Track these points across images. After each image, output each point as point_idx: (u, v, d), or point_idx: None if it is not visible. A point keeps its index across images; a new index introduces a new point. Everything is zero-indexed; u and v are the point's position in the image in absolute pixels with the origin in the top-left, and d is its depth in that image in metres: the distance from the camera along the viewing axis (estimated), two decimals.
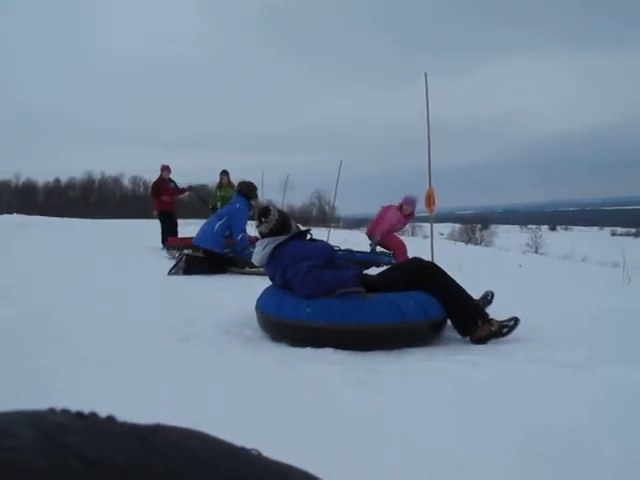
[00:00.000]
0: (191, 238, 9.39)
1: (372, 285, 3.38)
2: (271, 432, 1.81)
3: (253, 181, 7.38)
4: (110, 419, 0.39)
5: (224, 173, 10.41)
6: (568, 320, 3.64)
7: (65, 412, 0.39)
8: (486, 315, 3.33)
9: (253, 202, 7.14)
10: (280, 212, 3.73)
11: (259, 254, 3.64)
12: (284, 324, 3.31)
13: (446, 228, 52.07)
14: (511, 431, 1.86)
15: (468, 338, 3.30)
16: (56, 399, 0.42)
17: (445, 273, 3.52)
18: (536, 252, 40.50)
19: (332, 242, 6.20)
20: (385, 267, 4.82)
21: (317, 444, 1.75)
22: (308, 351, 3.00)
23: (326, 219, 38.08)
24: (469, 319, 3.30)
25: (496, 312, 3.35)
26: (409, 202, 7.82)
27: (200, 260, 6.91)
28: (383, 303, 3.20)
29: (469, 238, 44.00)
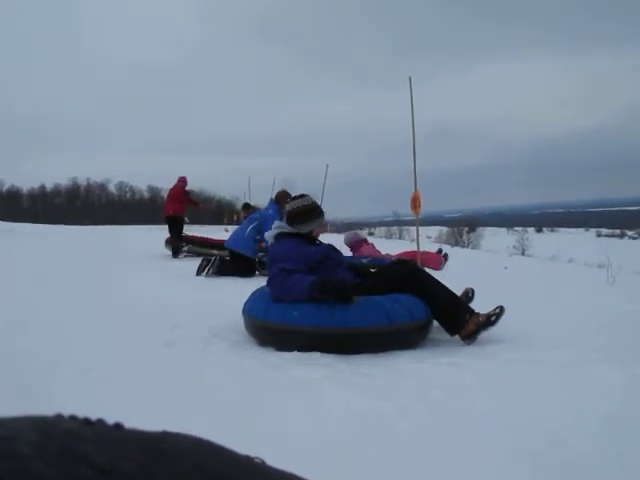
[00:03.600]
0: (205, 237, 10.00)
1: (359, 289, 3.38)
2: (258, 434, 1.81)
3: (287, 190, 7.60)
4: (118, 426, 0.40)
5: (245, 208, 10.65)
6: (553, 321, 3.67)
7: (73, 418, 0.39)
8: (471, 309, 3.35)
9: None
10: (312, 205, 3.65)
11: (268, 234, 3.67)
12: (271, 328, 3.30)
13: (434, 231, 52.18)
14: (499, 432, 1.86)
15: (458, 336, 3.30)
16: (41, 404, 0.42)
17: (428, 274, 3.53)
18: (523, 254, 40.74)
19: None
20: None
21: (303, 445, 1.75)
22: (295, 355, 2.99)
23: None
24: (456, 316, 3.31)
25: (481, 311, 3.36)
26: (352, 239, 8.21)
27: (229, 263, 7.21)
28: (369, 306, 3.20)
29: (456, 241, 44.15)
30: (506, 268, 8.65)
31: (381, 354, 3.03)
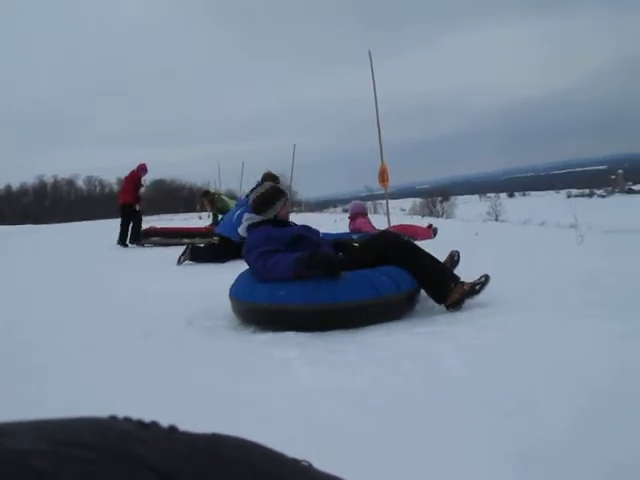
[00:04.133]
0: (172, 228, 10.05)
1: (345, 264, 3.39)
2: (235, 418, 1.80)
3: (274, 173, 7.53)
4: (172, 429, 0.40)
5: (204, 195, 10.52)
6: (526, 283, 3.69)
7: (128, 420, 0.40)
8: (457, 277, 3.37)
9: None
10: (271, 190, 3.72)
11: (242, 226, 3.70)
12: (258, 309, 3.28)
13: (407, 203, 52.42)
14: (474, 398, 1.87)
15: (443, 305, 3.32)
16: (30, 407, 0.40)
17: (412, 244, 3.54)
18: (496, 219, 41.20)
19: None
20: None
21: (279, 427, 1.75)
22: (269, 336, 2.97)
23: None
24: (441, 285, 3.32)
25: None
26: (355, 209, 8.29)
27: (205, 249, 7.39)
28: (356, 280, 3.18)
29: (430, 211, 44.42)
30: (477, 234, 8.73)
31: (355, 329, 3.02)
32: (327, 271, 3.14)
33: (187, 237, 9.96)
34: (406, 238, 3.78)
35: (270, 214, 3.63)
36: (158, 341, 3.04)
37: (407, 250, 3.45)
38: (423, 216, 33.43)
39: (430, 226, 8.95)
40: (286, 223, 3.70)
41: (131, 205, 10.48)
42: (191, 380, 2.32)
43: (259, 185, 3.80)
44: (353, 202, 8.80)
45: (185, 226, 11.98)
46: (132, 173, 10.72)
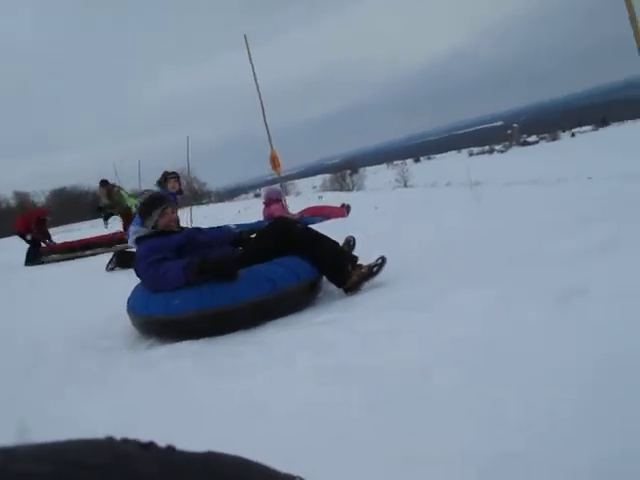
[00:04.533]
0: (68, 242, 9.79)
1: (242, 260, 3.29)
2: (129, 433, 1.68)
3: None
4: (171, 449, 0.41)
5: (103, 185, 10.03)
6: (417, 253, 3.77)
7: (127, 441, 0.40)
8: (354, 259, 3.36)
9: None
10: (147, 199, 3.63)
11: (130, 239, 3.73)
12: (155, 321, 3.14)
13: (318, 180, 52.87)
14: (366, 380, 1.85)
15: (343, 289, 3.29)
16: None
17: (306, 228, 3.49)
18: (405, 185, 42.34)
19: (195, 222, 6.21)
20: None
21: (174, 437, 1.64)
22: (165, 349, 2.86)
23: (197, 197, 37.31)
24: (340, 269, 3.29)
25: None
26: (274, 193, 8.22)
27: (133, 255, 7.02)
28: (252, 277, 3.09)
29: (341, 185, 44.98)
30: (376, 208, 8.90)
31: (256, 327, 2.95)
32: (221, 274, 3.03)
33: (90, 248, 9.63)
34: (300, 224, 3.69)
35: (149, 223, 3.52)
36: (45, 370, 2.83)
37: (303, 236, 3.38)
38: (335, 190, 33.88)
39: (343, 205, 9.14)
40: (170, 232, 3.53)
41: (23, 235, 10.59)
42: (76, 410, 2.17)
43: (142, 194, 3.65)
44: (267, 188, 8.67)
45: (87, 237, 11.53)
46: (34, 213, 11.10)
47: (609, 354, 1.59)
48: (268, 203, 8.07)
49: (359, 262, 3.37)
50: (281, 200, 8.30)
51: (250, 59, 5.51)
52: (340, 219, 7.70)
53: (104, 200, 10.13)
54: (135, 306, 3.28)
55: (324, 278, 3.42)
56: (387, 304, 2.70)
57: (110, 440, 0.40)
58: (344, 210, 8.82)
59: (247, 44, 5.53)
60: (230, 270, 3.05)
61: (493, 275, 2.75)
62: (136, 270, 3.37)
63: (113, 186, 9.96)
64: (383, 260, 3.30)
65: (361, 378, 1.90)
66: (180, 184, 7.77)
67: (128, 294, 3.45)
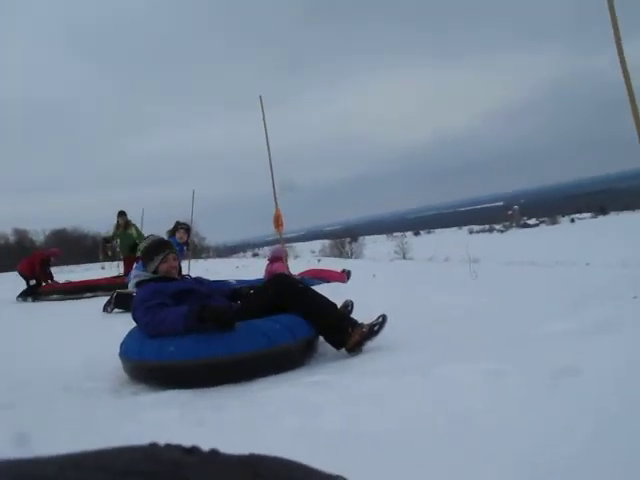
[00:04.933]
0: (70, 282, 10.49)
1: (239, 314, 3.27)
2: None
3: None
4: (214, 452, 0.42)
5: (121, 215, 10.08)
6: (414, 322, 3.75)
7: (171, 447, 0.41)
8: (354, 321, 3.32)
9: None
10: (151, 244, 3.62)
11: (131, 284, 3.59)
12: (147, 368, 3.10)
13: (317, 245, 53.10)
14: (352, 449, 1.81)
15: (344, 350, 3.25)
16: None
17: (306, 288, 3.48)
18: (404, 257, 42.50)
19: (192, 274, 6.22)
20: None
21: None
22: (150, 397, 2.80)
23: (196, 251, 37.36)
24: (340, 329, 3.25)
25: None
26: (279, 252, 8.33)
27: (127, 297, 7.00)
28: (248, 331, 3.07)
29: (340, 252, 45.20)
30: (374, 276, 8.92)
31: (246, 382, 2.90)
32: (219, 323, 3.02)
33: (90, 291, 9.60)
34: (301, 284, 3.69)
35: (151, 268, 3.54)
36: (20, 413, 2.74)
37: (302, 295, 3.37)
38: (334, 257, 33.98)
39: (343, 270, 9.22)
40: (171, 278, 3.54)
41: (26, 278, 10.56)
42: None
43: (147, 238, 3.67)
44: (275, 246, 8.88)
45: (88, 279, 11.48)
46: (41, 253, 11.13)
47: (596, 433, 1.58)
48: (272, 261, 8.18)
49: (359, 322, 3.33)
50: (284, 260, 8.36)
51: (264, 119, 5.66)
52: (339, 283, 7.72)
53: (114, 230, 10.22)
54: (128, 351, 3.24)
55: (320, 338, 3.39)
56: (379, 369, 2.67)
57: (154, 446, 0.41)
58: (344, 275, 8.86)
59: (262, 105, 5.69)
60: (228, 319, 3.03)
61: (486, 350, 2.74)
62: (133, 314, 3.34)
63: (130, 220, 10.03)
64: (384, 319, 3.27)
65: (340, 444, 1.86)
66: (189, 236, 7.92)
67: (122, 337, 3.41)
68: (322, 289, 4.87)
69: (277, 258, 8.08)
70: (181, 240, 7.69)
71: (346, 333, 3.24)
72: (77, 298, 9.26)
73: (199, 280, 3.69)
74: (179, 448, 0.41)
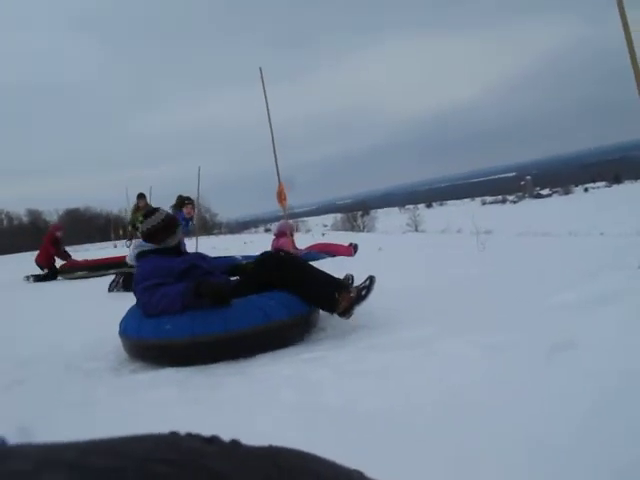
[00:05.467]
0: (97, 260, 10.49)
1: (236, 291, 3.25)
2: None
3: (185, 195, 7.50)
4: (235, 443, 0.42)
5: (140, 197, 10.04)
6: (415, 297, 3.70)
7: (191, 436, 0.41)
8: (341, 285, 3.27)
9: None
10: (165, 220, 3.47)
11: (131, 255, 3.52)
12: (145, 345, 3.09)
13: (329, 219, 53.06)
14: (348, 425, 1.79)
15: (336, 315, 3.22)
16: None
17: (292, 258, 3.44)
18: (416, 230, 42.38)
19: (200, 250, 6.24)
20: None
21: None
22: (149, 376, 2.80)
23: (207, 227, 37.50)
24: (327, 295, 3.21)
25: None
26: (285, 227, 8.23)
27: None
28: (245, 307, 3.05)
29: (352, 226, 45.14)
30: (380, 249, 8.87)
31: (243, 359, 2.89)
32: (215, 299, 2.99)
33: (113, 267, 9.59)
34: (283, 254, 3.66)
35: (171, 243, 3.47)
36: (23, 390, 2.76)
37: (288, 265, 3.33)
38: (346, 230, 33.93)
39: (350, 244, 9.13)
40: (178, 252, 3.50)
41: (41, 266, 10.49)
42: (49, 436, 2.09)
43: (150, 213, 3.55)
44: (281, 221, 8.68)
45: (109, 256, 11.49)
46: (48, 234, 10.98)
47: (594, 409, 1.55)
48: (278, 236, 8.15)
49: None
50: (290, 234, 8.29)
51: (264, 92, 5.56)
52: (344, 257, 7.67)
53: (132, 213, 10.16)
54: (127, 329, 3.24)
55: (319, 314, 3.37)
56: (378, 344, 2.64)
57: (175, 435, 0.41)
58: (351, 249, 8.82)
59: (262, 77, 5.59)
60: (222, 296, 3.01)
61: (486, 323, 2.70)
62: (134, 288, 3.31)
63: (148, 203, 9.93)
64: (371, 280, 3.22)
65: (339, 419, 1.84)
66: (194, 211, 7.79)
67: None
68: (325, 263, 4.84)
69: (282, 233, 8.05)
70: (189, 215, 7.53)
71: (334, 299, 3.19)
72: (101, 275, 9.23)
73: (201, 256, 3.66)
74: (199, 437, 0.41)
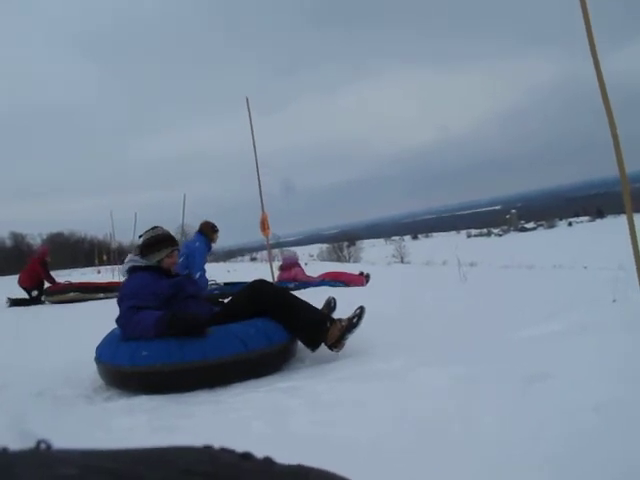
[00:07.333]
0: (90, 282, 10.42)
1: (219, 319, 3.23)
2: None
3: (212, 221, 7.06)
4: (269, 460, 0.42)
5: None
6: (395, 328, 3.71)
7: (226, 451, 0.42)
8: (332, 317, 3.29)
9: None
10: (160, 235, 3.49)
11: (123, 267, 3.51)
12: (121, 373, 3.04)
13: (315, 249, 53.04)
14: (318, 455, 1.77)
15: (327, 346, 3.21)
16: None
17: (281, 289, 3.44)
18: (402, 261, 42.48)
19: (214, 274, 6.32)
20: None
21: None
22: (121, 403, 2.76)
23: None
24: (317, 326, 3.20)
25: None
26: (291, 259, 8.34)
27: None
28: (223, 335, 3.04)
29: (338, 256, 45.18)
30: (362, 273, 8.87)
31: (218, 388, 2.87)
32: (190, 330, 2.98)
33: (102, 291, 9.47)
34: (277, 287, 3.67)
35: (154, 259, 3.44)
36: None
37: (278, 298, 3.33)
38: (332, 261, 33.91)
39: (362, 273, 9.05)
40: (168, 273, 3.48)
41: (26, 289, 10.30)
42: None
43: (150, 229, 3.58)
44: (287, 253, 9.02)
45: (102, 281, 11.36)
46: (37, 257, 10.82)
47: (565, 439, 1.55)
48: (285, 267, 8.08)
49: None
50: (299, 264, 8.29)
51: (250, 121, 5.62)
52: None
53: None
54: (102, 355, 3.19)
55: (298, 344, 3.35)
56: (353, 375, 2.63)
57: (210, 449, 0.42)
58: (363, 279, 8.73)
59: (248, 106, 5.66)
60: (199, 327, 2.99)
61: (460, 354, 2.70)
62: (118, 302, 3.28)
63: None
64: (362, 310, 3.23)
65: (307, 450, 1.81)
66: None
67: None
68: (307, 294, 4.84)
69: (294, 264, 8.05)
70: (214, 243, 7.07)
71: (324, 330, 3.18)
72: (90, 299, 9.11)
73: (189, 279, 3.66)
74: (235, 453, 0.42)
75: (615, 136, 2.71)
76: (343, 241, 51.46)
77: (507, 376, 2.12)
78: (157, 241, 3.46)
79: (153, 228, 3.59)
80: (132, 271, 3.41)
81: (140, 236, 3.59)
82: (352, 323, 3.18)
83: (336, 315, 3.47)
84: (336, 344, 3.17)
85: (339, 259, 41.80)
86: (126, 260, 3.52)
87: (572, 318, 2.85)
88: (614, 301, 3.25)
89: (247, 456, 0.42)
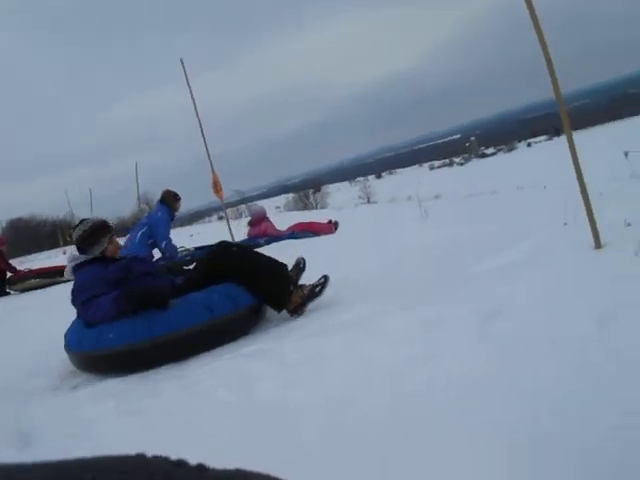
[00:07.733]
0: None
1: (183, 290, 3.18)
2: None
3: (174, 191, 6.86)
4: (202, 467, 0.41)
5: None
6: (359, 274, 3.72)
7: (159, 459, 0.40)
8: (295, 281, 3.26)
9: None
10: (94, 226, 3.33)
11: (67, 269, 3.35)
12: (90, 358, 2.99)
13: (281, 200, 52.71)
14: (283, 422, 1.78)
15: (285, 311, 3.20)
16: None
17: (239, 252, 3.37)
18: (368, 202, 42.55)
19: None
20: None
21: None
22: (89, 390, 2.71)
23: None
24: (279, 292, 3.17)
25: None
26: (259, 214, 8.17)
27: None
28: (186, 305, 2.99)
29: (304, 204, 44.93)
30: (330, 221, 8.86)
31: (186, 360, 2.84)
32: (152, 303, 2.92)
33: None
34: (238, 248, 3.59)
35: (98, 250, 3.31)
36: None
37: (239, 262, 3.26)
38: (299, 210, 33.79)
39: (330, 221, 9.01)
40: (112, 259, 3.38)
41: None
42: None
43: (78, 224, 3.43)
44: (254, 208, 8.80)
45: (62, 264, 11.08)
46: None
47: (520, 377, 1.58)
48: (254, 223, 7.99)
49: (302, 283, 3.28)
50: (267, 218, 8.20)
51: (188, 83, 5.44)
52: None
53: None
54: (70, 342, 3.12)
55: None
56: (319, 329, 2.63)
57: (142, 457, 0.40)
58: (332, 227, 8.72)
59: (184, 68, 5.46)
60: (159, 297, 2.94)
61: (420, 297, 2.72)
62: (72, 301, 3.19)
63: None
64: (326, 279, 3.23)
65: (272, 417, 1.83)
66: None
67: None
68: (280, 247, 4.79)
69: (262, 218, 7.95)
70: (176, 211, 6.91)
71: (287, 295, 3.16)
72: (53, 283, 8.91)
73: (136, 259, 3.55)
74: (167, 461, 0.41)
75: (549, 61, 2.68)
76: (308, 189, 51.14)
77: (466, 315, 2.15)
78: (92, 233, 3.31)
79: (82, 222, 3.43)
80: (78, 268, 3.29)
81: (70, 235, 3.45)
82: (314, 292, 3.19)
83: (306, 273, 3.43)
84: (296, 310, 3.16)
85: (306, 207, 41.64)
86: (68, 261, 3.40)
87: (526, 247, 2.89)
88: (565, 224, 3.29)
89: (180, 463, 0.41)
